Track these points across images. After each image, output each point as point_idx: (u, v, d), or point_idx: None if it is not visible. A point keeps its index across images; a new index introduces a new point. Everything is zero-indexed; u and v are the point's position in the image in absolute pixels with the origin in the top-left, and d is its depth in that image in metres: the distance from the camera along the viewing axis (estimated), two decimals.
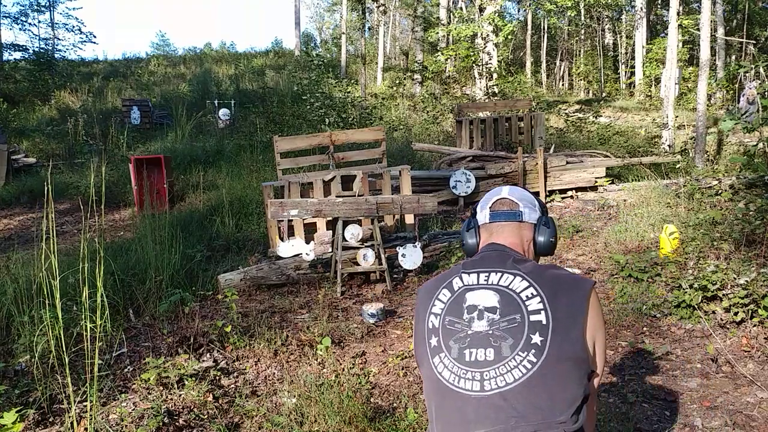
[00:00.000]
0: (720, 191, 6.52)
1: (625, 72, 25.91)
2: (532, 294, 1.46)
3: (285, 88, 17.43)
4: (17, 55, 22.77)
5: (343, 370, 3.35)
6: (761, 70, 7.62)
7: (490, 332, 1.45)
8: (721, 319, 3.82)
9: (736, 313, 3.74)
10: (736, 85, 16.74)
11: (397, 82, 19.85)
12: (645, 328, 3.97)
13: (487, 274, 1.54)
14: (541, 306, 1.44)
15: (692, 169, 8.53)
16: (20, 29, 24.50)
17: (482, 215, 1.71)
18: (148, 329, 4.21)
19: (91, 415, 2.54)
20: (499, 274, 1.52)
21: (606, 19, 27.68)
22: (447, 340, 1.49)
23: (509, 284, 1.50)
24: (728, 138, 11.12)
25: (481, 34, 16.07)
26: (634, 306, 4.26)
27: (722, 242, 4.75)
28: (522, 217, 1.65)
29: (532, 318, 1.43)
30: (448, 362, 1.47)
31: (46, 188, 2.50)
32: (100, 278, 2.47)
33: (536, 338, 1.40)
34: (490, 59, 16.02)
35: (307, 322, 4.26)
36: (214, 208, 7.67)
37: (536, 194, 8.11)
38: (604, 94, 24.19)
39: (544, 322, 1.42)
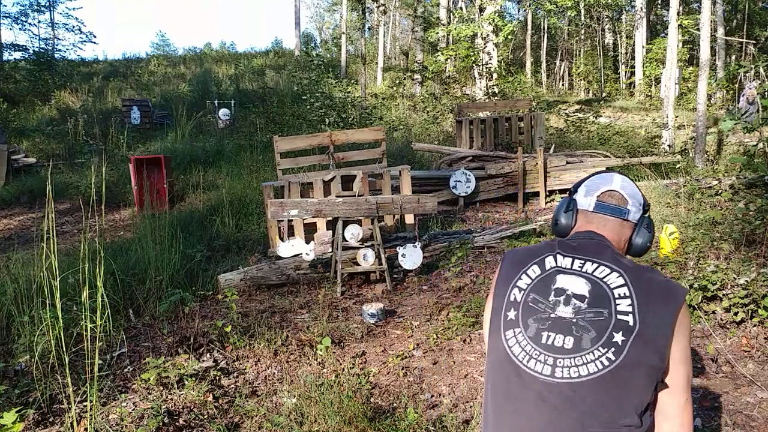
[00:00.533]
0: (720, 191, 6.52)
1: (625, 72, 25.91)
2: (624, 294, 1.42)
3: (285, 88, 17.43)
4: (17, 55, 22.79)
5: (343, 370, 3.35)
6: (761, 70, 7.62)
7: (574, 320, 1.42)
8: (721, 319, 3.82)
9: (736, 313, 3.74)
10: (736, 85, 16.74)
11: (397, 82, 19.85)
12: None
13: (582, 262, 1.49)
14: (630, 309, 1.39)
15: (692, 169, 8.53)
16: (20, 29, 24.51)
17: (586, 201, 1.63)
18: (148, 329, 4.21)
19: (91, 415, 2.54)
20: (596, 265, 1.48)
21: (606, 19, 27.68)
22: (526, 318, 1.45)
23: (604, 277, 1.45)
24: (728, 138, 11.12)
25: (481, 34, 16.07)
26: None
27: (722, 242, 4.75)
28: (627, 216, 1.59)
29: (620, 317, 1.39)
30: (522, 339, 1.44)
31: (46, 188, 2.50)
32: (101, 278, 2.47)
33: (618, 337, 1.37)
34: (490, 59, 16.02)
35: (307, 322, 4.26)
36: (214, 208, 7.67)
37: (536, 194, 8.13)
38: (604, 94, 24.20)
39: (630, 324, 1.37)
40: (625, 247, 1.61)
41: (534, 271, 1.52)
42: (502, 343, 1.47)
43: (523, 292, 1.50)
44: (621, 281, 1.43)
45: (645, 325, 1.37)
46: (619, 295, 1.41)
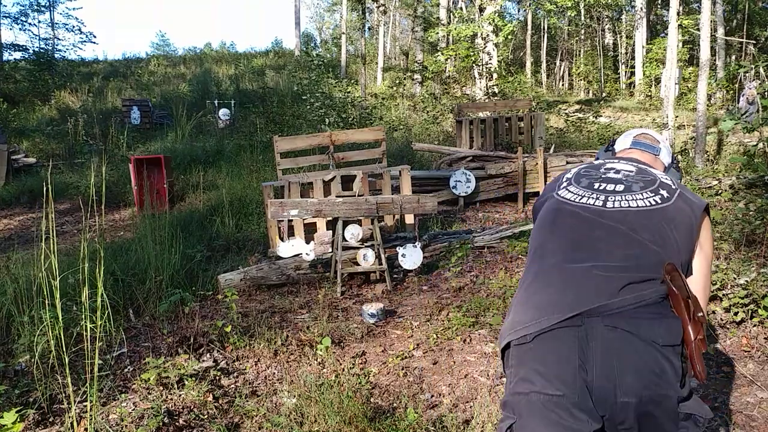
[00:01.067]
0: (720, 191, 6.52)
1: (625, 72, 25.91)
2: (666, 178, 1.62)
3: (285, 88, 17.42)
4: (17, 55, 22.79)
5: (343, 370, 3.35)
6: (761, 70, 7.62)
7: (624, 179, 1.60)
8: (721, 319, 3.82)
9: (736, 313, 3.74)
10: (736, 85, 16.74)
11: (397, 82, 19.85)
12: None
13: (627, 162, 1.70)
14: (671, 183, 1.59)
15: (692, 169, 8.53)
16: (20, 29, 24.51)
17: (623, 142, 1.85)
18: (148, 329, 4.21)
19: (91, 415, 2.54)
20: (637, 164, 1.69)
21: (606, 19, 27.68)
22: (578, 180, 1.63)
23: (645, 168, 1.66)
24: (728, 138, 11.12)
25: (481, 34, 16.07)
26: None
27: (722, 242, 4.75)
28: (659, 153, 1.79)
29: (663, 181, 1.59)
30: (575, 189, 1.59)
31: (45, 188, 2.50)
32: (101, 278, 2.47)
33: (664, 192, 1.54)
34: (490, 59, 16.02)
35: (307, 322, 4.26)
36: (214, 208, 7.67)
37: (536, 194, 8.13)
38: (604, 94, 24.19)
39: (673, 188, 1.56)
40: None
41: (575, 170, 1.71)
42: (554, 199, 1.61)
43: (573, 173, 1.68)
44: (661, 174, 1.65)
45: (684, 194, 1.55)
46: (662, 176, 1.63)
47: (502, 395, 1.50)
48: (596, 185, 1.58)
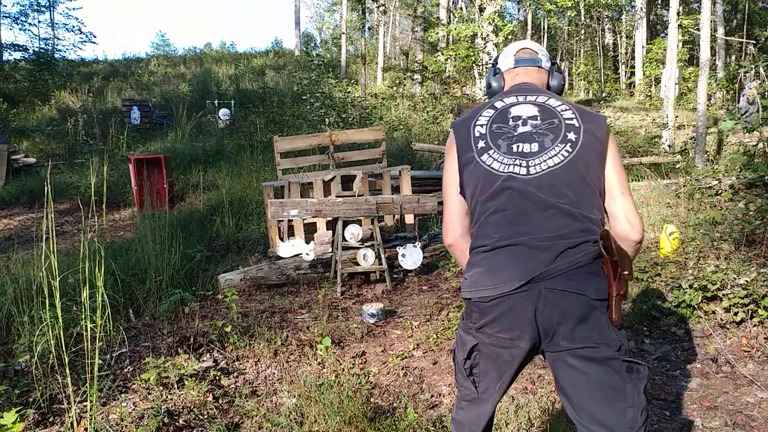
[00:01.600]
0: (720, 191, 6.52)
1: (625, 72, 25.92)
2: (565, 109, 1.77)
3: (285, 88, 17.43)
4: (17, 55, 22.79)
5: (343, 370, 3.35)
6: (761, 70, 7.62)
7: (534, 132, 1.74)
8: (721, 319, 3.82)
9: (736, 313, 3.74)
10: (736, 85, 16.75)
11: (397, 82, 19.85)
12: (645, 328, 3.97)
13: (524, 96, 1.83)
14: (573, 116, 1.75)
15: (692, 169, 8.53)
16: (20, 29, 24.51)
17: (507, 62, 1.98)
18: (148, 329, 4.21)
19: (91, 415, 2.54)
20: (536, 95, 1.83)
21: (606, 19, 27.68)
22: (495, 140, 1.76)
23: (545, 101, 1.80)
24: (728, 138, 11.12)
25: (481, 34, 16.07)
26: (634, 306, 4.26)
27: (722, 242, 4.75)
28: (541, 63, 1.95)
29: (567, 122, 1.74)
30: (497, 156, 1.74)
31: (46, 188, 2.50)
32: (101, 278, 2.47)
33: (571, 135, 1.71)
34: (490, 59, 16.02)
35: (307, 322, 4.26)
36: (214, 208, 7.67)
37: None
38: (604, 94, 24.19)
39: (577, 125, 1.73)
40: (550, 89, 1.96)
41: (488, 112, 1.84)
42: (481, 166, 1.75)
43: (485, 126, 1.80)
44: (560, 102, 1.80)
45: (587, 125, 1.73)
46: (562, 109, 1.78)
47: (457, 329, 1.84)
48: (514, 147, 1.73)
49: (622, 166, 1.77)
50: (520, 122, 1.77)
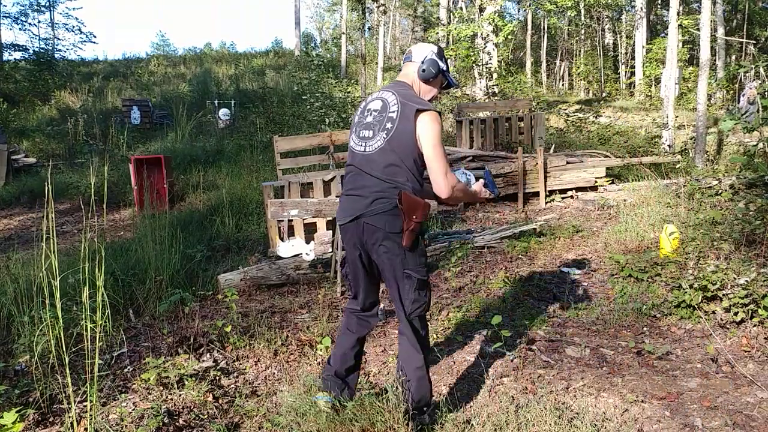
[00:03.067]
0: (720, 191, 6.52)
1: (625, 72, 25.92)
2: (394, 103, 2.56)
3: (285, 88, 17.43)
4: (17, 55, 22.80)
5: None
6: (761, 70, 7.62)
7: (373, 122, 2.60)
8: (721, 319, 3.82)
9: (736, 313, 3.74)
10: (736, 85, 16.75)
11: None
12: (645, 328, 3.97)
13: (380, 93, 2.67)
14: (395, 110, 2.54)
15: (692, 169, 8.53)
16: (20, 29, 24.52)
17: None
18: (148, 329, 4.21)
19: (91, 415, 2.54)
20: (384, 93, 2.65)
21: (606, 19, 27.68)
22: (357, 127, 2.68)
23: (386, 97, 2.61)
24: (728, 138, 11.12)
25: (481, 34, 16.07)
26: (634, 306, 4.26)
27: (722, 242, 4.75)
28: (411, 58, 2.71)
29: (390, 115, 2.54)
30: (356, 138, 2.66)
31: (46, 188, 2.50)
32: (101, 278, 2.47)
33: (388, 125, 2.53)
34: (490, 59, 16.02)
35: (307, 322, 4.26)
36: (214, 208, 7.67)
37: (536, 194, 8.14)
38: (604, 94, 24.19)
39: (394, 117, 2.53)
40: (418, 77, 2.67)
41: (362, 105, 2.73)
42: (350, 143, 2.71)
43: (358, 116, 2.72)
44: (394, 99, 2.57)
45: (402, 117, 2.50)
46: (392, 104, 2.56)
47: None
48: (362, 134, 2.61)
49: (434, 144, 2.49)
50: (369, 113, 2.64)
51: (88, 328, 2.55)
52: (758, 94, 9.79)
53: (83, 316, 2.53)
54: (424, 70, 2.62)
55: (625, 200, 7.35)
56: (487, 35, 15.88)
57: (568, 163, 8.32)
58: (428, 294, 2.58)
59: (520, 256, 5.72)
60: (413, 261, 2.52)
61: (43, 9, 24.75)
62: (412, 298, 2.52)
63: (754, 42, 19.98)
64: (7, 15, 24.56)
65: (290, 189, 6.27)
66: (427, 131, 2.46)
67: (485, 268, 5.43)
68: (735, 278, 3.86)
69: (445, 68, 2.68)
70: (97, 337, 2.67)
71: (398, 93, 2.55)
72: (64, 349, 2.49)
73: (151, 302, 4.57)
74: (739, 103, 12.78)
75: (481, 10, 16.32)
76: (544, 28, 28.20)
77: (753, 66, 6.65)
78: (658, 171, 8.18)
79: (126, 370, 3.50)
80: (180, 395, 3.05)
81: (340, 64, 20.62)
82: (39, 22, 24.98)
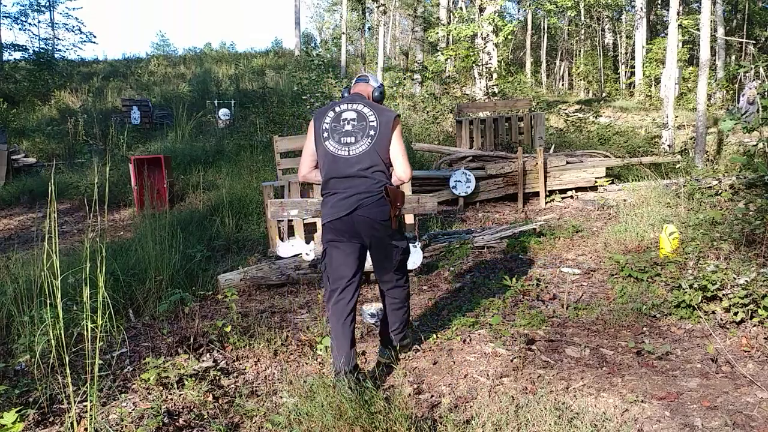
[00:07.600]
0: (720, 191, 6.52)
1: (625, 72, 25.93)
2: (371, 113, 3.14)
3: (285, 88, 17.43)
4: (17, 55, 22.78)
5: None
6: (761, 70, 7.62)
7: (352, 130, 3.11)
8: (721, 319, 3.82)
9: (736, 313, 3.75)
10: (736, 85, 16.75)
11: (397, 82, 19.82)
12: (645, 328, 3.98)
13: (351, 104, 3.19)
14: (374, 119, 3.12)
15: (692, 169, 8.53)
16: (20, 29, 24.51)
17: (354, 81, 3.48)
18: (148, 329, 4.21)
19: (91, 415, 2.54)
20: (356, 104, 3.19)
21: (606, 19, 27.68)
22: (333, 134, 3.13)
23: (360, 109, 3.16)
24: (728, 138, 11.12)
25: (481, 34, 16.07)
26: (634, 306, 4.26)
27: (722, 242, 4.75)
28: (368, 80, 3.44)
29: (371, 123, 3.10)
30: (334, 143, 3.11)
31: (47, 188, 2.50)
32: (102, 278, 2.47)
33: (372, 132, 3.08)
34: (490, 59, 16.01)
35: (307, 322, 4.26)
36: (214, 208, 7.67)
37: (536, 194, 8.14)
38: (604, 94, 24.19)
39: (375, 125, 3.10)
40: (371, 96, 3.38)
41: (330, 115, 3.19)
42: (327, 149, 3.12)
43: (328, 124, 3.16)
44: (368, 110, 3.15)
45: (380, 124, 3.10)
46: (368, 114, 3.14)
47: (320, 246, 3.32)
48: (342, 140, 3.08)
49: (400, 140, 3.15)
50: (346, 123, 3.12)
51: (89, 328, 2.55)
52: (758, 94, 9.79)
53: (84, 316, 2.54)
54: (380, 93, 3.40)
55: (624, 200, 7.35)
56: (487, 35, 15.87)
57: (568, 163, 8.32)
58: (407, 253, 3.36)
59: (519, 256, 5.72)
60: (398, 237, 3.25)
61: (43, 9, 24.75)
62: (398, 259, 3.28)
63: (754, 42, 19.98)
64: (7, 15, 24.54)
65: (290, 189, 6.27)
66: (397, 131, 3.15)
67: (485, 268, 5.43)
68: (735, 278, 3.86)
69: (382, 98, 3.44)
70: (98, 337, 2.67)
71: (367, 104, 3.17)
72: (65, 349, 2.49)
73: (151, 302, 4.57)
74: (738, 103, 12.78)
75: (481, 10, 16.31)
76: (544, 28, 28.20)
77: (753, 66, 6.65)
78: (658, 171, 8.18)
79: (126, 370, 3.50)
80: (180, 395, 3.05)
81: (340, 64, 20.61)
82: (39, 22, 24.99)
